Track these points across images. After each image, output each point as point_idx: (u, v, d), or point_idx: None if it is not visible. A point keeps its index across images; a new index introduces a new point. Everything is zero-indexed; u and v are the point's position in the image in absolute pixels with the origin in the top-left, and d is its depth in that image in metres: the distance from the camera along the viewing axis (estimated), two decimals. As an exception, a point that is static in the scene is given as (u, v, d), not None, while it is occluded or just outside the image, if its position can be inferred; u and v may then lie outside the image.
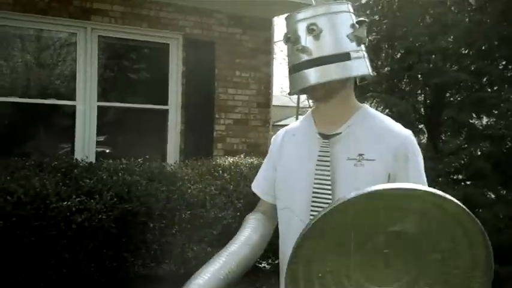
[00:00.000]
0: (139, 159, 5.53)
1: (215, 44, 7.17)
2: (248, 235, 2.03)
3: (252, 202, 5.55)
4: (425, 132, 5.89)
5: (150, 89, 7.12)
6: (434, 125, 5.84)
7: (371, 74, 1.87)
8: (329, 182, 1.85)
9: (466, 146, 5.55)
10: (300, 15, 1.85)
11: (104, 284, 4.74)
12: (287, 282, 1.57)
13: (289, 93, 2.05)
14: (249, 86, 7.45)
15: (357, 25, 1.82)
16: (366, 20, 1.86)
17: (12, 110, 6.36)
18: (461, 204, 1.34)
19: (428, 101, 6.14)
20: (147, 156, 5.70)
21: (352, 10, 1.87)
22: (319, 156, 1.88)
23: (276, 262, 5.82)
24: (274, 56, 8.00)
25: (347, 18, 1.84)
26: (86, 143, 6.44)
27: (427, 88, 5.99)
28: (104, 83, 6.69)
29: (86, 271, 4.56)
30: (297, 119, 23.24)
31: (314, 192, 1.88)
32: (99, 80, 6.56)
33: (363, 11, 6.58)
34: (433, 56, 5.78)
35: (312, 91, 1.91)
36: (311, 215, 1.87)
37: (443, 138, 5.94)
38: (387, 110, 5.85)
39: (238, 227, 5.52)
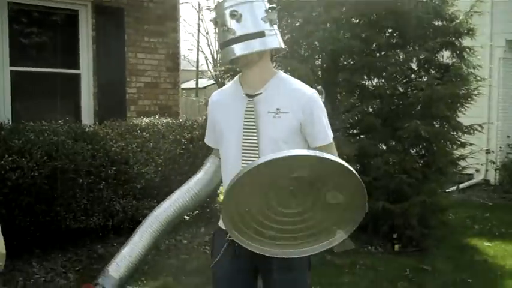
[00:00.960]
0: (59, 121, 5.81)
1: (124, 10, 7.46)
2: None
3: (172, 157, 6.05)
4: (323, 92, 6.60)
5: (62, 54, 7.31)
6: (330, 86, 6.55)
7: (283, 47, 2.49)
8: (255, 131, 2.47)
9: (359, 104, 6.31)
10: (226, 4, 2.45)
11: (39, 237, 5.09)
12: (223, 217, 2.28)
13: (221, 64, 2.66)
14: (157, 50, 7.83)
15: (269, 10, 2.43)
16: (275, 6, 2.47)
17: None
18: (337, 160, 2.08)
19: (324, 65, 6.83)
20: (67, 118, 6.00)
21: None
22: (246, 111, 2.49)
23: (194, 213, 6.40)
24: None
25: (261, 5, 2.45)
26: (0, 107, 6.58)
27: (324, 53, 6.65)
28: (17, 48, 6.80)
29: (22, 226, 4.89)
30: (196, 80, 23.27)
31: (244, 139, 2.48)
32: (11, 45, 6.67)
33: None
34: (328, 25, 6.44)
35: (236, 61, 2.53)
36: (242, 156, 2.48)
37: (339, 97, 6.68)
38: (288, 74, 6.47)
39: (160, 181, 6.03)
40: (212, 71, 30.64)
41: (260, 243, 2.34)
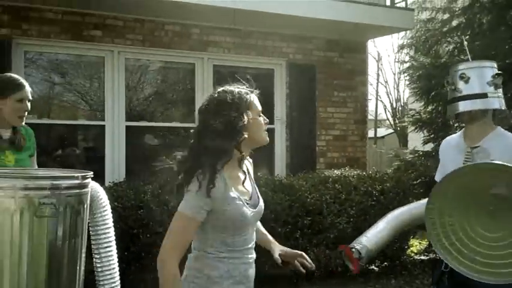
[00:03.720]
0: (258, 173, 6.25)
1: (315, 67, 7.87)
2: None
3: (363, 209, 6.16)
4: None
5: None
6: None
7: (503, 108, 2.90)
8: None
9: None
10: (458, 67, 2.92)
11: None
12: (428, 225, 2.58)
13: (447, 117, 2.98)
14: (346, 104, 8.10)
15: (496, 76, 2.85)
16: (501, 73, 2.88)
17: (139, 132, 7.22)
18: None
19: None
20: (266, 171, 6.43)
21: (495, 66, 2.93)
22: (465, 159, 2.89)
23: (384, 265, 6.42)
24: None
25: (490, 71, 2.88)
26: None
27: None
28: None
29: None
30: (375, 130, 23.52)
31: None
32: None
33: (455, 33, 7.10)
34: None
35: (461, 116, 2.95)
36: None
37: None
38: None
39: (352, 231, 6.19)
40: (391, 120, 30.46)
41: (459, 262, 2.55)
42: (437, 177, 3.11)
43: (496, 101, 2.86)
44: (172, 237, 2.19)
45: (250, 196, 2.36)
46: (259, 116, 2.38)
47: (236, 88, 2.35)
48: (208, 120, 2.26)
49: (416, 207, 3.19)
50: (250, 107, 2.34)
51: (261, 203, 2.43)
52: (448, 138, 3.19)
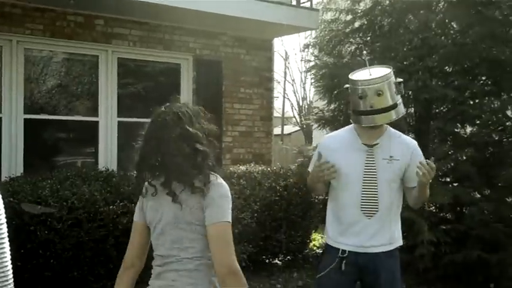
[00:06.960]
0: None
1: (222, 63, 7.89)
2: None
3: (267, 204, 6.23)
4: (416, 140, 6.71)
5: (164, 104, 7.76)
6: (423, 134, 6.62)
7: (404, 111, 3.17)
8: (375, 174, 3.07)
9: (452, 152, 6.32)
10: (371, 81, 3.00)
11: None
12: None
13: (363, 126, 3.13)
14: (252, 101, 8.18)
15: (397, 84, 3.04)
16: (402, 80, 3.08)
17: (39, 126, 6.94)
18: None
19: (417, 113, 6.91)
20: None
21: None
22: (367, 157, 3.09)
23: (287, 259, 6.55)
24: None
25: (393, 79, 3.03)
26: (108, 154, 7.07)
27: (416, 102, 6.73)
28: (123, 100, 7.33)
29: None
30: (282, 127, 23.91)
31: (364, 180, 3.07)
32: (118, 97, 7.20)
33: (358, 35, 7.34)
34: (421, 74, 6.51)
35: (374, 126, 3.08)
36: (362, 192, 3.06)
37: (431, 145, 6.71)
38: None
39: (256, 226, 6.21)
40: (297, 117, 31.09)
41: None
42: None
43: (402, 108, 3.12)
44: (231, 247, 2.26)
45: None
46: None
47: None
48: None
49: None
50: None
51: None
52: (331, 137, 3.37)
